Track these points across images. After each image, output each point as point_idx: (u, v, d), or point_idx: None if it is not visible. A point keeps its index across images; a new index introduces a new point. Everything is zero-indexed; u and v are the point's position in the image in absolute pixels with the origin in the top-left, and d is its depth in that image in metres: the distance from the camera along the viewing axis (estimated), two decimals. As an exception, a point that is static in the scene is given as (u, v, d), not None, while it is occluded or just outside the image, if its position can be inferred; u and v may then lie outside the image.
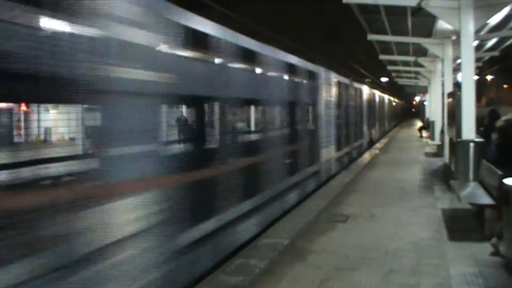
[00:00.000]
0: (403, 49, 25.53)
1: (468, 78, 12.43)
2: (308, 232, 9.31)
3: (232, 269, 7.32)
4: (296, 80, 13.69)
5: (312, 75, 15.31)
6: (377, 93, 39.09)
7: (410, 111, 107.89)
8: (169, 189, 6.32)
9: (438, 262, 7.35)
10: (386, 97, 50.54)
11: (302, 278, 6.81)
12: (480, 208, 9.09)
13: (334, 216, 10.57)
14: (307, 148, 14.23)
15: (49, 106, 7.04)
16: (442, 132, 21.24)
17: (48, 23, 4.62)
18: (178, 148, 7.64)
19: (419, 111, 73.70)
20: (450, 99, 16.13)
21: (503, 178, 7.15)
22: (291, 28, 22.23)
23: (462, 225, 9.53)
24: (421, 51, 24.04)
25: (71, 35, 4.85)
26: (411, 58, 27.40)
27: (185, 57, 7.50)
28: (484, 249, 7.87)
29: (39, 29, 4.49)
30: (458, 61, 16.69)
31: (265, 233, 9.46)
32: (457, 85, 16.51)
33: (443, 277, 6.69)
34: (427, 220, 9.99)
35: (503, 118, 9.61)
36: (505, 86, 56.52)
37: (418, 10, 15.33)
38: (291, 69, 12.83)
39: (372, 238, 8.79)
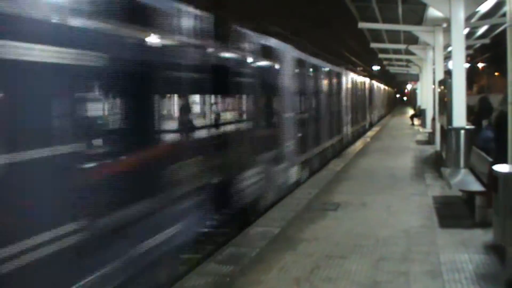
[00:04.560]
0: (394, 37, 25.51)
1: (459, 65, 12.44)
2: (298, 220, 9.30)
3: (222, 258, 7.30)
4: None
5: None
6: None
7: (401, 99, 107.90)
8: None
9: (429, 249, 7.36)
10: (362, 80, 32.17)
11: (293, 266, 6.80)
12: (471, 194, 9.11)
13: (325, 204, 10.57)
14: None
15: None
16: (433, 119, 21.29)
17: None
18: None
19: (411, 100, 73.54)
20: (441, 87, 16.15)
21: (493, 165, 7.16)
22: (278, 14, 22.13)
23: (453, 212, 9.55)
24: (412, 39, 24.01)
25: None
26: (402, 46, 27.39)
27: None
28: (474, 235, 7.91)
29: None
30: (449, 48, 16.67)
31: (255, 222, 9.44)
32: (448, 73, 16.52)
33: (433, 264, 6.70)
34: (418, 208, 10.01)
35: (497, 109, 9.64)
36: (496, 73, 56.60)
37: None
38: None
39: (363, 226, 8.79)
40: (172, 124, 7.32)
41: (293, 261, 7.04)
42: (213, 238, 8.48)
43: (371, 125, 37.63)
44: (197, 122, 8.27)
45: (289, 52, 13.11)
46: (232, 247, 7.79)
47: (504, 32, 7.47)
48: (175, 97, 7.51)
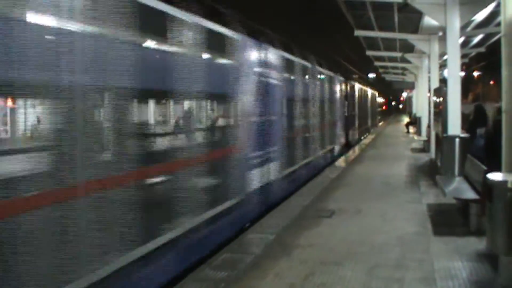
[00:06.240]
0: (390, 45, 25.62)
1: (454, 74, 12.53)
2: (294, 227, 9.33)
3: (218, 263, 7.32)
4: None
5: None
6: None
7: (396, 107, 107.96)
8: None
9: (423, 256, 7.39)
10: None
11: (288, 273, 6.82)
12: (465, 202, 9.14)
13: (320, 211, 10.59)
14: None
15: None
16: (428, 127, 21.36)
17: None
18: None
19: (406, 107, 73.43)
20: (436, 95, 16.23)
21: (487, 173, 7.20)
22: (275, 22, 22.23)
23: (447, 220, 9.58)
24: (408, 47, 24.13)
25: None
26: (398, 54, 27.50)
27: None
28: (468, 243, 7.94)
29: None
30: (445, 57, 16.78)
31: (251, 228, 9.47)
32: (444, 81, 16.61)
33: (427, 271, 6.73)
34: (413, 215, 10.04)
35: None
36: (491, 82, 56.82)
37: (404, 6, 15.39)
38: None
39: (358, 233, 8.82)
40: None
41: (288, 267, 7.06)
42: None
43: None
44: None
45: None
46: (228, 253, 7.82)
47: (499, 41, 7.53)
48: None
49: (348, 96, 27.67)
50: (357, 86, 33.05)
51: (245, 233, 9.09)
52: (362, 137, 35.08)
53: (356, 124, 31.43)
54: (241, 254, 7.71)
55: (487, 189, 6.90)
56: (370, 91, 45.05)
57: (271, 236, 8.70)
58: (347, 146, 26.60)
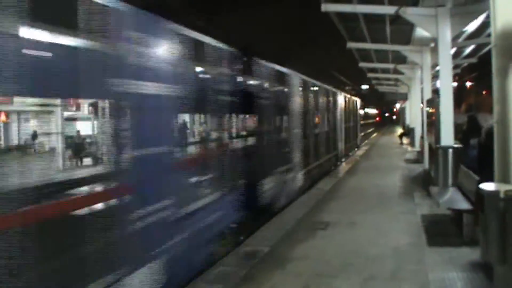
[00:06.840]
0: (382, 56, 25.73)
1: (446, 84, 12.59)
2: (288, 239, 9.32)
3: (212, 277, 7.29)
4: None
5: None
6: None
7: (390, 118, 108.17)
8: None
9: (417, 267, 7.40)
10: None
11: (282, 286, 6.81)
12: (459, 213, 9.16)
13: (314, 223, 10.58)
14: None
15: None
16: (422, 138, 21.41)
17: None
18: None
19: (399, 119, 73.50)
20: (429, 106, 16.30)
21: (480, 183, 7.22)
22: (267, 35, 22.29)
23: (441, 230, 9.59)
24: (400, 59, 24.25)
25: None
26: (390, 66, 27.61)
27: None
28: (462, 253, 7.95)
29: None
30: (437, 68, 16.87)
31: (245, 242, 9.45)
32: (436, 92, 16.68)
33: (422, 282, 6.74)
34: (407, 226, 10.05)
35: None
36: (484, 92, 57.09)
37: (396, 18, 15.50)
38: None
39: (353, 244, 8.82)
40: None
41: (283, 280, 7.05)
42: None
43: None
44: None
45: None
46: (222, 267, 7.79)
47: (490, 51, 7.59)
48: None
49: (273, 102, 12.90)
50: (308, 84, 18.31)
51: (239, 246, 9.06)
52: (328, 168, 21.94)
53: (297, 158, 15.34)
54: (235, 267, 7.68)
55: (480, 199, 6.93)
56: (341, 96, 27.48)
57: (265, 248, 8.68)
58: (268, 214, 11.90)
